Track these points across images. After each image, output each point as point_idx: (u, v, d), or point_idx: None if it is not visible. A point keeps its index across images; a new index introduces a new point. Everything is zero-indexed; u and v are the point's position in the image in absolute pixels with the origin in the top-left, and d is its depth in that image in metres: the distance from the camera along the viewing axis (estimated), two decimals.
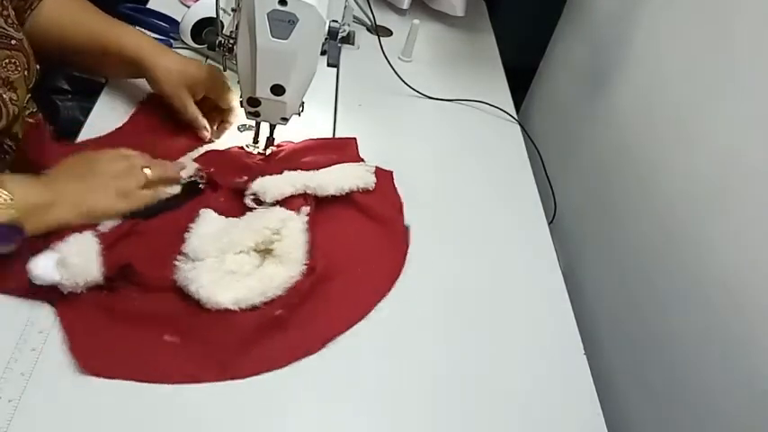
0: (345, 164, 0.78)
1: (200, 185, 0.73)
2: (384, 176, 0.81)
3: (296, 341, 0.62)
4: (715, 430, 0.67)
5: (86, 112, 0.82)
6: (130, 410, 0.55)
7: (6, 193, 0.57)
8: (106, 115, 0.81)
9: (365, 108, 0.96)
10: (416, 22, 1.05)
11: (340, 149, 0.83)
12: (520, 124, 1.02)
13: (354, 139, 0.85)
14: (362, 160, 0.82)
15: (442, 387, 0.63)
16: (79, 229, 0.61)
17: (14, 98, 0.67)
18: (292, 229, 0.67)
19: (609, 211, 0.94)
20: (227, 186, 0.73)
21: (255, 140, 0.80)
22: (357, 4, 1.12)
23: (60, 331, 0.57)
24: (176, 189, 0.71)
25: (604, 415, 0.64)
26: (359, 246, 0.73)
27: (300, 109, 0.75)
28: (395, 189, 0.81)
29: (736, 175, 0.69)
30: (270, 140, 0.79)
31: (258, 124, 0.78)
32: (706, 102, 0.76)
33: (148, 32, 0.96)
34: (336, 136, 0.89)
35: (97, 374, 0.56)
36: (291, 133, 0.83)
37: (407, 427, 0.59)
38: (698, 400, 0.70)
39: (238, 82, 0.70)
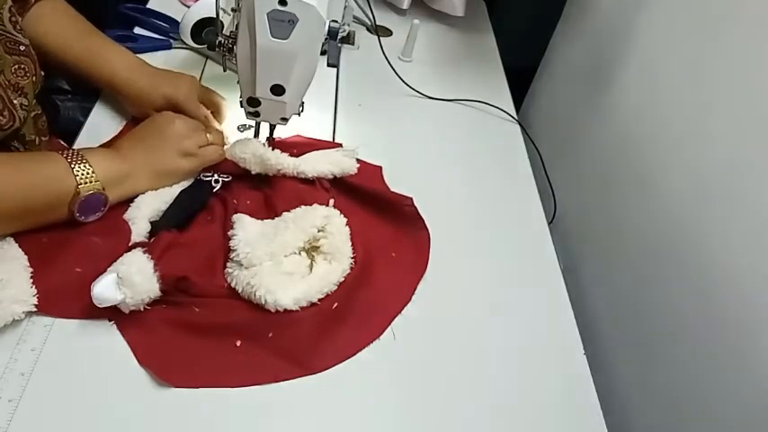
0: (322, 150, 0.79)
1: (213, 184, 0.73)
2: (373, 171, 0.82)
3: (359, 330, 0.65)
4: (715, 430, 0.67)
5: (86, 112, 0.82)
6: (130, 411, 0.55)
7: (89, 166, 0.62)
8: (106, 115, 0.81)
9: (365, 108, 0.96)
10: (416, 22, 1.05)
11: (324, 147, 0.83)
12: (520, 124, 1.02)
13: (340, 144, 0.85)
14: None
15: (440, 387, 0.63)
16: (123, 249, 0.62)
17: (25, 103, 0.68)
18: (338, 225, 0.70)
19: (609, 210, 0.94)
20: (228, 171, 0.74)
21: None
22: (357, 4, 1.12)
23: (129, 349, 0.58)
24: (189, 180, 0.72)
25: (604, 415, 0.64)
26: (381, 231, 0.75)
27: (300, 109, 0.74)
28: (384, 181, 0.82)
29: (737, 175, 0.69)
30: (270, 140, 0.79)
31: (258, 124, 0.78)
32: (706, 101, 0.76)
33: (148, 33, 0.97)
34: (336, 136, 0.89)
35: (183, 386, 0.57)
36: (291, 133, 0.83)
37: (406, 426, 0.59)
38: (698, 400, 0.70)
39: (238, 82, 0.70)
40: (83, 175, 0.61)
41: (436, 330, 0.68)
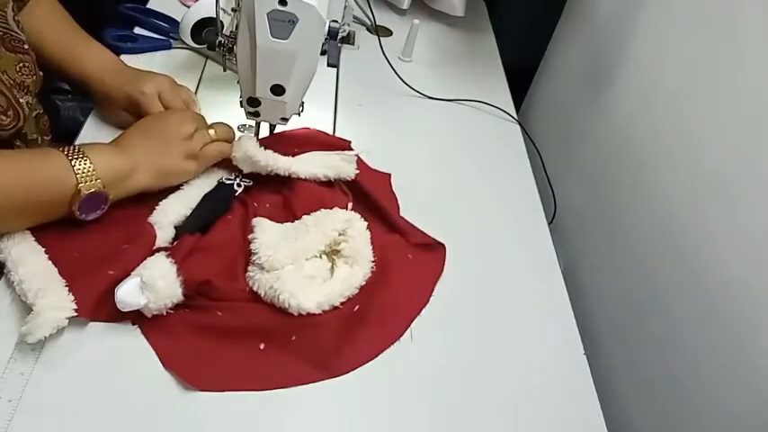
0: (322, 152, 0.78)
1: (235, 188, 0.73)
2: (382, 179, 0.82)
3: (380, 332, 0.65)
4: (715, 430, 0.67)
5: (86, 112, 0.82)
6: (128, 411, 0.55)
7: (90, 163, 0.61)
8: (106, 115, 0.81)
9: (365, 108, 0.96)
10: (416, 22, 1.05)
11: (331, 146, 0.82)
12: (520, 124, 1.02)
13: (349, 142, 0.84)
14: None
15: (440, 387, 0.63)
16: (150, 251, 0.62)
17: (30, 101, 0.68)
18: (359, 229, 0.70)
19: (609, 210, 0.94)
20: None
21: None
22: (357, 4, 1.12)
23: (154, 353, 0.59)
24: (212, 183, 0.72)
25: (604, 415, 0.64)
26: (394, 233, 0.75)
27: (300, 109, 0.74)
28: (392, 190, 0.82)
29: (738, 175, 0.69)
30: (264, 137, 0.79)
31: (258, 124, 0.78)
32: (706, 101, 0.76)
33: (148, 33, 0.97)
34: (336, 136, 0.88)
35: (208, 389, 0.57)
36: None
37: (406, 426, 0.59)
38: (698, 400, 0.70)
39: (238, 82, 0.70)
40: (83, 172, 0.60)
41: (434, 330, 0.68)
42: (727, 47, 0.73)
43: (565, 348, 0.70)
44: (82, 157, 0.61)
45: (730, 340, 0.67)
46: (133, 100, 0.75)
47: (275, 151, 0.74)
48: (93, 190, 0.61)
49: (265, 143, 0.75)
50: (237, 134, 0.81)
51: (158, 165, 0.67)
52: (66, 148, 0.61)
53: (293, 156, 0.76)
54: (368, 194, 0.77)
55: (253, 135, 0.78)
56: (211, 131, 0.73)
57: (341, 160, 0.77)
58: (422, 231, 0.76)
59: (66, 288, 0.58)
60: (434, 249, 0.75)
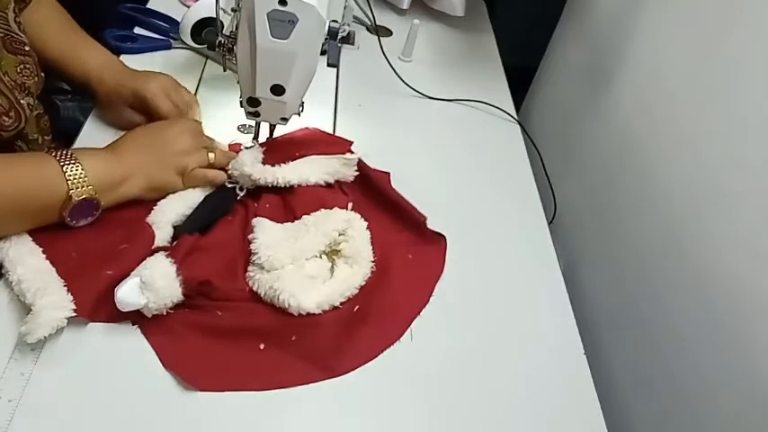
0: (322, 156, 0.77)
1: (238, 191, 0.73)
2: (382, 177, 0.82)
3: (381, 332, 0.65)
4: (715, 430, 0.67)
5: (86, 112, 0.82)
6: (128, 411, 0.55)
7: (82, 169, 0.60)
8: (106, 115, 0.81)
9: (365, 108, 0.96)
10: (416, 22, 1.05)
11: (332, 145, 0.81)
12: (520, 124, 1.02)
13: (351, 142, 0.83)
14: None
15: (440, 387, 0.63)
16: (149, 251, 0.62)
17: (31, 102, 0.68)
18: (359, 229, 0.70)
19: (609, 210, 0.94)
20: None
21: (255, 140, 0.80)
22: (357, 4, 1.12)
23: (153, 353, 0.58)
24: (208, 189, 0.72)
25: (604, 415, 0.64)
26: (397, 233, 0.75)
27: (300, 109, 0.74)
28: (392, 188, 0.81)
29: (737, 175, 0.69)
30: (262, 144, 0.79)
31: (258, 124, 0.78)
32: (706, 101, 0.76)
33: (148, 33, 0.97)
34: (337, 135, 0.88)
35: (208, 389, 0.57)
36: None
37: (406, 426, 0.59)
38: (698, 399, 0.70)
39: (238, 82, 0.70)
40: (74, 178, 0.60)
41: (435, 330, 0.68)
42: (727, 47, 0.73)
43: (565, 348, 0.70)
44: (74, 163, 0.60)
45: (730, 340, 0.67)
46: (140, 96, 0.75)
47: (276, 156, 0.74)
48: (84, 196, 0.60)
49: (266, 147, 0.75)
50: (236, 136, 0.80)
51: (150, 176, 0.67)
52: (58, 154, 0.61)
53: (294, 159, 0.75)
54: (368, 177, 0.77)
55: (252, 149, 0.75)
56: (211, 155, 0.71)
57: (341, 165, 0.77)
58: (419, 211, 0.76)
59: (65, 288, 0.58)
60: (435, 245, 0.75)
